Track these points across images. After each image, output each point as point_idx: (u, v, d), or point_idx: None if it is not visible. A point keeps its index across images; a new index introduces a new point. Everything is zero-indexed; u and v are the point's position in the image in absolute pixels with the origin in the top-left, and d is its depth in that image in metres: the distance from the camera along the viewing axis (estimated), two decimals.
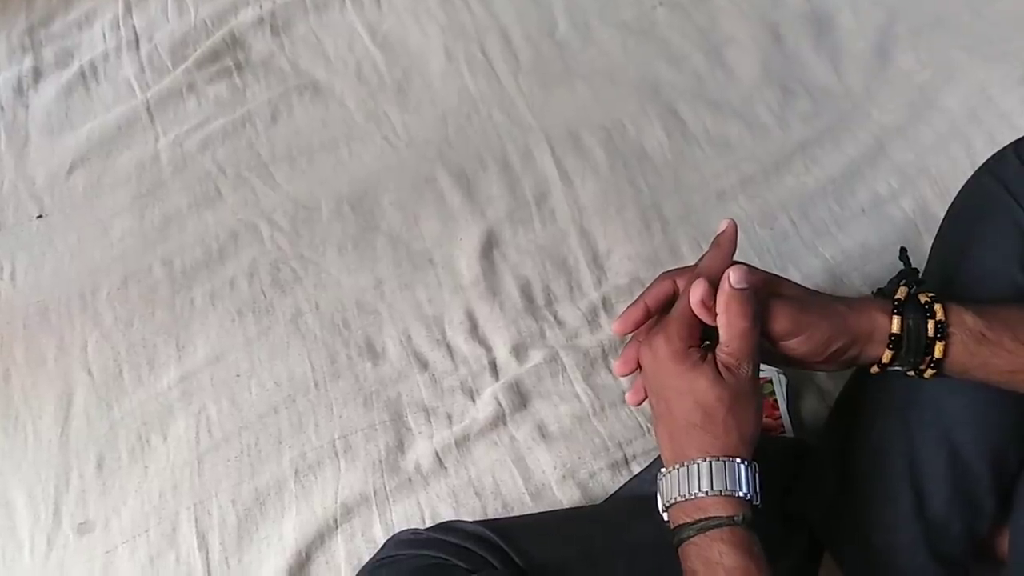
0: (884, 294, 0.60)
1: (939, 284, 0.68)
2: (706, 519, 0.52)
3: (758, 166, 1.07)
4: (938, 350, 0.56)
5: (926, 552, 0.66)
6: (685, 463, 0.53)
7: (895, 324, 0.56)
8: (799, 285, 0.59)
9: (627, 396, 0.61)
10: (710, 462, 0.52)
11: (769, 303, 0.55)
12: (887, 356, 0.57)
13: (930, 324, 0.56)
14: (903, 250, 0.67)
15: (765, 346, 0.56)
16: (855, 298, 0.59)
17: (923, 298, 0.57)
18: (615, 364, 0.60)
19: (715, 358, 0.55)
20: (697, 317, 0.55)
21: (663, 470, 0.55)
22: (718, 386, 0.53)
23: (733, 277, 0.53)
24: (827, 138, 1.09)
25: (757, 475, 0.53)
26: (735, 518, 0.51)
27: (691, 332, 0.55)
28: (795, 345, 0.56)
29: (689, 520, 0.53)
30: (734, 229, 0.59)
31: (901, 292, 0.58)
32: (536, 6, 1.26)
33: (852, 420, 0.72)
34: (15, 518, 0.87)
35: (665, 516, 0.55)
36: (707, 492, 0.52)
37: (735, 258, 0.58)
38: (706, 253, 0.59)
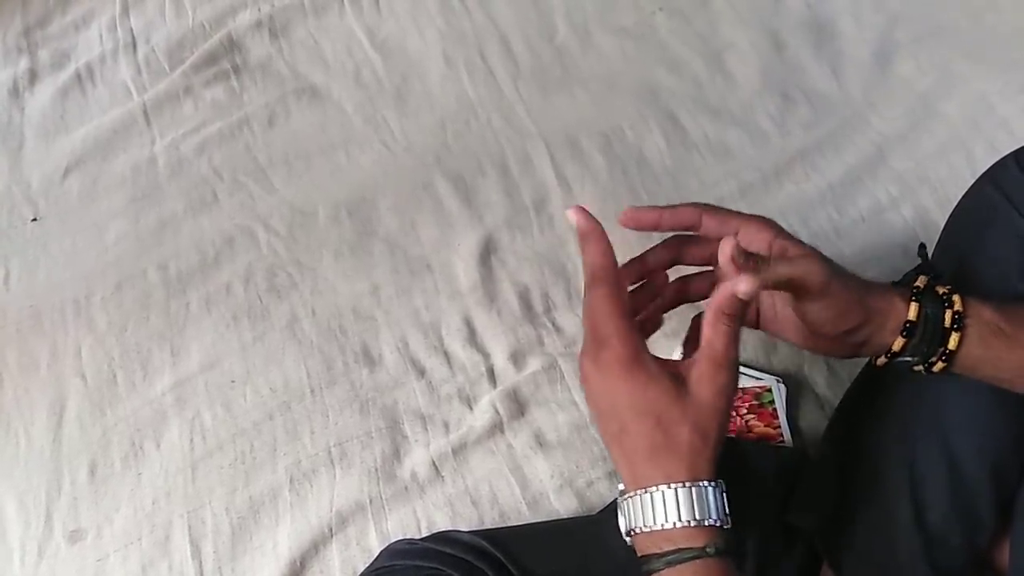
0: (901, 284, 0.58)
1: None
2: (676, 551, 0.47)
3: (758, 173, 1.07)
4: (952, 341, 0.54)
5: (925, 564, 0.65)
6: (648, 489, 0.48)
7: (912, 311, 0.54)
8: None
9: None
10: (675, 489, 0.47)
11: (810, 256, 0.53)
12: (899, 344, 0.55)
13: (947, 314, 0.54)
14: (922, 246, 0.66)
15: (778, 309, 0.54)
16: (874, 281, 0.57)
17: (940, 289, 0.55)
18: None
19: (669, 363, 0.51)
20: (635, 320, 0.51)
21: (622, 492, 0.51)
22: (678, 400, 0.49)
23: (743, 287, 0.48)
24: (827, 145, 1.09)
25: (725, 494, 0.49)
26: (707, 549, 0.47)
27: (637, 332, 0.50)
28: (815, 310, 0.53)
29: (657, 551, 0.48)
30: (585, 216, 0.54)
31: (920, 280, 0.56)
32: (536, 11, 1.26)
33: (851, 430, 0.71)
34: (6, 526, 0.86)
35: (628, 540, 0.51)
36: (675, 524, 0.47)
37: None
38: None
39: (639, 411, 0.49)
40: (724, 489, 0.49)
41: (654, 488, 0.48)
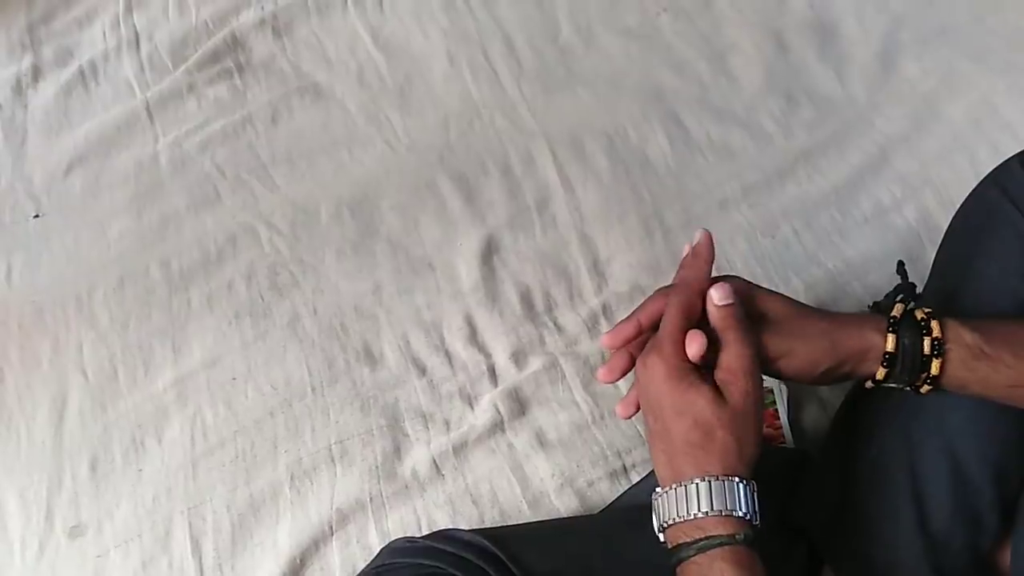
0: (880, 309, 0.59)
1: (941, 297, 0.67)
2: (706, 538, 0.51)
3: (761, 174, 1.07)
4: (934, 367, 0.55)
5: (928, 567, 0.65)
6: (683, 483, 0.52)
7: (890, 343, 0.55)
8: (785, 299, 0.58)
9: (617, 409, 0.60)
10: (708, 482, 0.51)
11: (754, 327, 0.56)
12: (881, 374, 0.56)
13: (926, 341, 0.55)
14: (900, 263, 0.67)
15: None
16: (848, 314, 0.59)
17: (919, 314, 0.56)
18: (600, 371, 0.60)
19: (713, 375, 0.54)
20: (688, 333, 0.55)
21: (658, 490, 0.54)
22: (716, 405, 0.52)
23: (716, 295, 0.54)
24: (830, 147, 1.08)
25: (756, 494, 0.52)
26: (736, 537, 0.50)
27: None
28: (782, 366, 0.56)
29: (688, 540, 0.52)
30: (709, 239, 0.59)
31: (897, 309, 0.57)
32: (539, 11, 1.26)
33: (853, 432, 0.71)
34: (6, 521, 0.86)
35: (661, 537, 0.54)
36: (706, 512, 0.51)
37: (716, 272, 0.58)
38: (682, 265, 0.59)
39: (679, 412, 0.53)
40: (756, 489, 0.52)
41: (688, 482, 0.52)
